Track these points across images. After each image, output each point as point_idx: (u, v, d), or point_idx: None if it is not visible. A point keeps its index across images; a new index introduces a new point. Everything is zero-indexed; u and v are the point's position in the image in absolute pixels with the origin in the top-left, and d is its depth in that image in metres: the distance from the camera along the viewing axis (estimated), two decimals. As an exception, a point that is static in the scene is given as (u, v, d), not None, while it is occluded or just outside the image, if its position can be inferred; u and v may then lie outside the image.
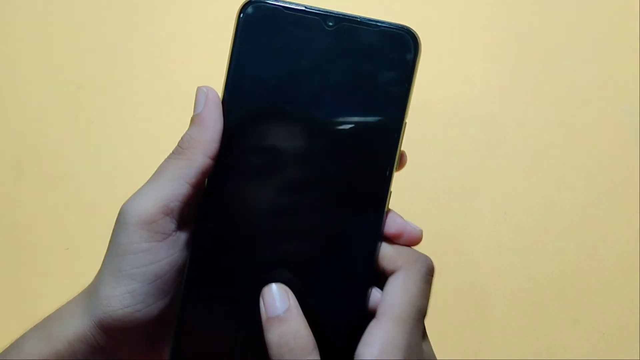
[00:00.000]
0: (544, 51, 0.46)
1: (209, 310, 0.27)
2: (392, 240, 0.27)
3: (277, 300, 0.25)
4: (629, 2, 0.47)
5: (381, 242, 0.27)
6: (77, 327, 0.25)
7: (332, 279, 0.26)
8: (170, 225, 0.26)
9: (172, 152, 0.26)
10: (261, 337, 0.26)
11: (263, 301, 0.26)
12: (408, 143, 0.45)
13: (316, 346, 0.24)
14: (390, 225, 0.27)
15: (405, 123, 0.27)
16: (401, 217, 0.28)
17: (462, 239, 0.44)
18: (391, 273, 0.26)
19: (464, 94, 0.46)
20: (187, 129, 0.28)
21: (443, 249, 0.44)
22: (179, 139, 0.28)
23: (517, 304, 0.43)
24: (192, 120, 0.26)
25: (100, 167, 0.45)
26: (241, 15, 0.26)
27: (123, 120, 0.45)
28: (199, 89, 0.27)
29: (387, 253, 0.27)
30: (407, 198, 0.44)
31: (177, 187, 0.26)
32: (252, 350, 0.27)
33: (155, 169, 0.27)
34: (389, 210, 0.27)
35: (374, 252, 0.27)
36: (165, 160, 0.26)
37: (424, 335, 0.27)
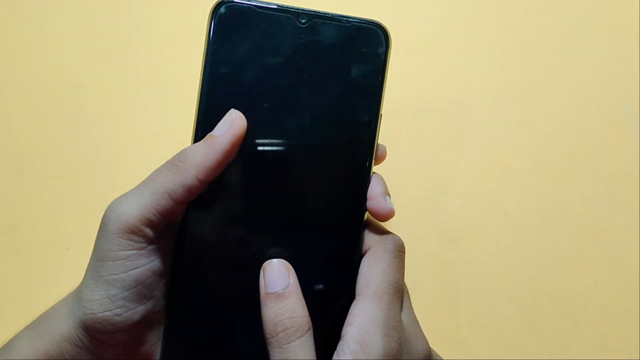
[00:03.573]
0: (544, 51, 0.46)
1: (197, 311, 0.27)
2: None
3: (277, 277, 0.25)
4: (629, 2, 0.47)
5: (365, 225, 0.27)
6: (63, 328, 0.25)
7: (320, 262, 0.27)
8: (153, 235, 0.25)
9: (168, 161, 0.26)
10: (251, 337, 0.26)
11: (263, 275, 0.26)
12: (407, 143, 0.45)
13: (311, 327, 0.25)
14: (370, 187, 0.27)
15: (381, 115, 0.27)
16: (383, 189, 0.27)
17: (461, 239, 0.44)
18: (363, 253, 0.27)
19: (463, 94, 0.46)
20: (191, 137, 0.27)
21: (442, 249, 0.44)
22: (178, 139, 0.27)
23: (517, 304, 0.43)
24: (206, 138, 0.26)
25: (100, 167, 0.45)
26: (214, 15, 0.26)
27: (123, 120, 0.45)
28: (230, 112, 0.26)
29: None
30: (406, 198, 0.44)
31: (160, 201, 0.25)
32: (243, 350, 0.27)
33: (154, 170, 0.26)
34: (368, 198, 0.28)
35: (359, 234, 0.27)
36: (158, 170, 0.26)
37: (408, 310, 0.27)
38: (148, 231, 0.25)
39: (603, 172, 0.45)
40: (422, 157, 0.45)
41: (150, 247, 0.25)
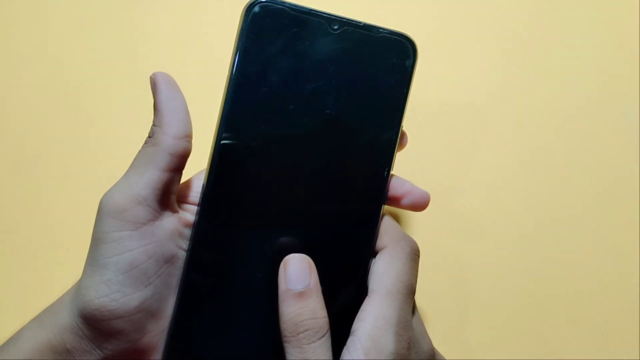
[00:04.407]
0: (544, 51, 0.46)
1: (207, 301, 0.27)
2: (397, 201, 0.28)
3: (299, 274, 0.25)
4: (629, 2, 0.47)
5: (377, 236, 0.28)
6: (64, 318, 0.26)
7: (333, 258, 0.27)
8: (145, 214, 0.26)
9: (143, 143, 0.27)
10: (263, 331, 0.26)
11: (284, 270, 0.25)
12: (408, 143, 0.45)
13: (329, 328, 0.25)
14: (397, 188, 0.28)
15: (402, 125, 0.27)
16: (410, 182, 0.28)
17: (460, 239, 0.44)
18: (377, 249, 0.27)
19: (463, 95, 0.46)
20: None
21: (442, 248, 0.44)
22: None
23: (517, 304, 0.43)
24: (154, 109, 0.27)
25: (100, 167, 0.45)
26: (247, 14, 0.26)
27: (123, 120, 0.45)
28: (150, 78, 0.27)
29: None
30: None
31: (145, 174, 0.26)
32: (253, 344, 0.27)
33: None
34: (385, 212, 0.28)
35: (373, 236, 0.27)
36: (138, 152, 0.27)
37: (413, 310, 0.27)
38: (141, 210, 0.25)
39: (603, 172, 0.45)
40: (421, 157, 0.45)
41: (144, 228, 0.25)
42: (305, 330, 0.24)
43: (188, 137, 0.27)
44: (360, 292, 0.27)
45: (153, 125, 0.27)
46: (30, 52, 0.46)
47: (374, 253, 0.28)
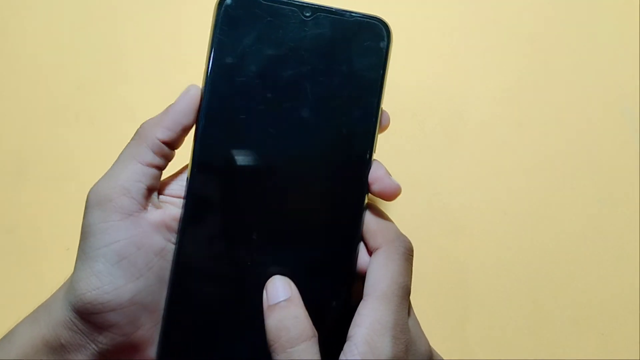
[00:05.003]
0: (544, 51, 0.46)
1: (198, 306, 0.27)
2: (368, 186, 0.28)
3: (279, 290, 0.26)
4: (629, 2, 0.47)
5: (361, 230, 0.27)
6: (58, 313, 0.26)
7: (320, 262, 0.27)
8: (130, 205, 0.26)
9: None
10: (253, 334, 0.26)
11: (266, 292, 0.26)
12: (406, 143, 0.45)
13: (316, 334, 0.25)
14: (371, 172, 0.28)
15: (382, 108, 0.27)
16: (385, 169, 0.28)
17: (461, 239, 0.44)
18: (371, 250, 0.27)
19: (463, 94, 0.46)
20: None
21: (442, 248, 0.44)
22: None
23: (516, 304, 0.43)
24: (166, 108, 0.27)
25: (100, 167, 0.45)
26: (220, 6, 0.27)
27: (123, 120, 0.45)
28: (187, 87, 0.27)
29: (369, 228, 0.27)
30: (405, 197, 0.44)
31: (129, 167, 0.26)
32: (242, 347, 0.27)
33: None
34: (366, 208, 0.28)
35: (358, 232, 0.27)
36: (125, 147, 0.27)
37: (409, 311, 0.27)
38: (125, 200, 0.26)
39: (603, 172, 0.45)
40: (421, 157, 0.45)
41: (130, 219, 0.26)
42: (288, 334, 0.24)
43: (169, 143, 0.27)
44: (349, 297, 0.27)
45: (149, 120, 0.27)
46: (30, 52, 0.46)
47: (360, 239, 0.27)
